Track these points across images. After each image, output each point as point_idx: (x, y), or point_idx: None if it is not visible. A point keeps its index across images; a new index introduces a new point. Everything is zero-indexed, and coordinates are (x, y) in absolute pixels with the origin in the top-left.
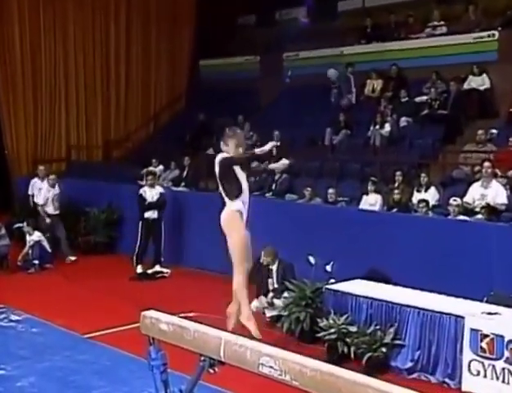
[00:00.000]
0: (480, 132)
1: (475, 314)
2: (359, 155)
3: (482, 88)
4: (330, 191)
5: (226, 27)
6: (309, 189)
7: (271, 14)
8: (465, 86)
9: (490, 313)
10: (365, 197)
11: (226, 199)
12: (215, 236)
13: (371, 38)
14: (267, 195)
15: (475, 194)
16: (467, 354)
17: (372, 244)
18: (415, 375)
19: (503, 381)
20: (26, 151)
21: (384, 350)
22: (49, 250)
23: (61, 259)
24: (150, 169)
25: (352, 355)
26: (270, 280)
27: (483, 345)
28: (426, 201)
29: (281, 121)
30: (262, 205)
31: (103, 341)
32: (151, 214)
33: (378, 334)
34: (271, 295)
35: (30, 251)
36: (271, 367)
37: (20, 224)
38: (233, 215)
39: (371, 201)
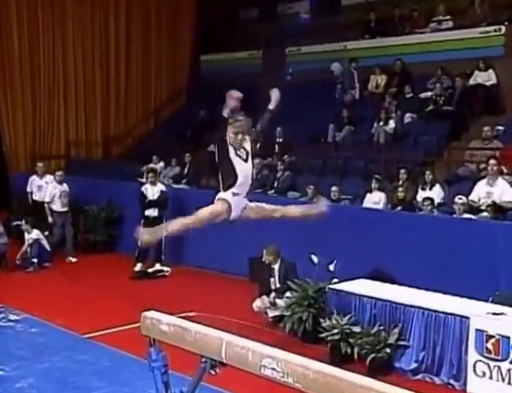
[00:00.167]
0: (486, 128)
1: (480, 315)
2: (363, 152)
3: (488, 83)
4: (333, 188)
5: (227, 21)
6: (312, 187)
7: (273, 8)
8: (471, 81)
9: (495, 314)
10: (368, 195)
11: (220, 188)
12: (216, 235)
13: (375, 33)
14: (269, 192)
15: (481, 192)
16: (472, 355)
17: (376, 243)
18: (419, 376)
19: (509, 383)
20: (24, 147)
21: (387, 350)
22: (48, 248)
23: (61, 258)
24: (151, 166)
25: (356, 356)
26: (272, 279)
27: (489, 345)
28: (431, 199)
29: (284, 117)
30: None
31: (103, 341)
32: (152, 213)
33: (382, 334)
34: (273, 295)
35: (29, 250)
36: (273, 369)
37: (19, 222)
38: (215, 203)
39: (375, 199)
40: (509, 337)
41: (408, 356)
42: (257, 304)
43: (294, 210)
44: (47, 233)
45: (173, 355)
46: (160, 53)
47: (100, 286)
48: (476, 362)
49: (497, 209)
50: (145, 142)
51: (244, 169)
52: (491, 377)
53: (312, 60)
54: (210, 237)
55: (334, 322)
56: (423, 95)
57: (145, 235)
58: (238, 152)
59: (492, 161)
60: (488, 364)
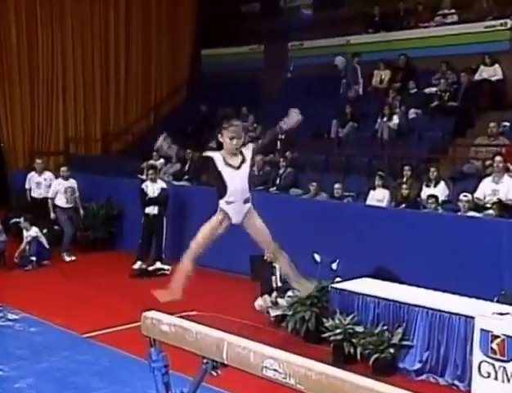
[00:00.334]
0: (492, 124)
1: (486, 314)
2: (366, 149)
3: (494, 78)
4: (336, 186)
5: (229, 15)
6: (314, 184)
7: (275, 2)
8: (477, 77)
9: (501, 314)
10: (372, 193)
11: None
12: None
13: (379, 27)
14: (271, 189)
15: (486, 189)
16: (477, 356)
17: (379, 241)
18: (423, 377)
19: None
20: (23, 143)
21: (391, 350)
22: (47, 246)
23: (59, 256)
24: (151, 162)
25: (359, 356)
26: (273, 277)
27: (494, 346)
28: (435, 197)
29: (286, 112)
30: (265, 200)
31: (103, 341)
32: (152, 210)
33: (385, 334)
34: (274, 294)
35: (27, 248)
36: (275, 370)
37: (17, 219)
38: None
39: (379, 197)
40: None
41: (412, 356)
42: (258, 303)
43: (285, 262)
44: (45, 231)
45: (174, 355)
46: (161, 48)
47: (99, 285)
48: (481, 362)
49: (503, 206)
50: (145, 138)
51: (235, 177)
52: (496, 378)
53: (315, 55)
54: None
55: (337, 321)
56: (427, 90)
57: (165, 297)
58: (228, 161)
59: (498, 158)
60: (493, 365)
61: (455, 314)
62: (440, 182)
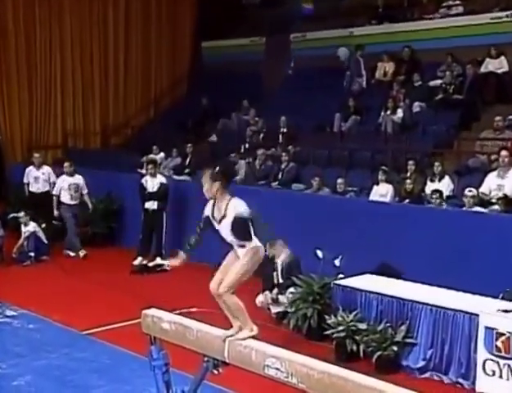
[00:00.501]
0: (498, 118)
1: (490, 312)
2: (369, 143)
3: (500, 71)
4: (339, 180)
5: (229, 7)
6: (317, 179)
7: None
8: (482, 69)
9: (506, 311)
10: (375, 187)
11: None
12: None
13: (383, 19)
14: (273, 184)
15: (492, 184)
16: (481, 354)
17: (383, 237)
18: (427, 375)
19: None
20: (21, 137)
21: (394, 348)
22: (45, 241)
23: (59, 251)
24: (151, 157)
25: (362, 354)
26: (274, 273)
27: (499, 343)
28: (440, 192)
29: (288, 106)
30: (267, 195)
31: (103, 338)
32: (151, 205)
33: (388, 332)
34: (275, 291)
35: (26, 243)
36: (277, 368)
37: (16, 214)
38: None
39: (382, 192)
40: None
41: (416, 354)
42: (259, 299)
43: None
44: (44, 226)
45: (175, 352)
46: (160, 40)
47: (99, 281)
48: (485, 360)
49: (508, 202)
50: (145, 131)
51: (219, 229)
52: (500, 376)
53: (317, 47)
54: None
55: (340, 318)
56: (432, 83)
57: (245, 335)
58: (214, 212)
59: (504, 152)
60: (498, 363)
61: (460, 311)
62: (444, 177)
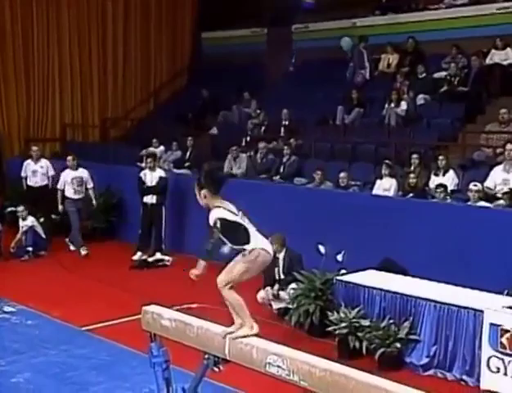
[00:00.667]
0: (503, 110)
1: (495, 308)
2: (373, 136)
3: (505, 62)
4: (342, 174)
5: None
6: (319, 172)
7: None
8: (488, 61)
9: (511, 308)
10: (379, 182)
11: None
12: None
13: (386, 9)
14: (275, 178)
15: (497, 178)
16: (486, 350)
17: (386, 232)
18: (430, 372)
19: None
20: (18, 130)
21: (398, 345)
22: (43, 235)
23: (57, 246)
24: (150, 150)
25: (365, 351)
26: (276, 269)
27: (503, 340)
28: (444, 186)
29: (290, 98)
30: (268, 189)
31: (102, 334)
32: (150, 199)
33: (392, 328)
34: (276, 287)
35: (24, 238)
36: (278, 366)
37: (14, 208)
38: None
39: (385, 186)
40: None
41: (419, 351)
42: (261, 295)
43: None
44: (42, 220)
45: (175, 349)
46: (160, 31)
47: (98, 276)
48: (490, 357)
49: None
50: (144, 124)
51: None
52: (505, 373)
53: (320, 38)
54: None
55: (342, 315)
56: (437, 75)
57: (245, 333)
58: (209, 222)
59: (510, 146)
60: (503, 360)
61: (464, 308)
62: (449, 171)
